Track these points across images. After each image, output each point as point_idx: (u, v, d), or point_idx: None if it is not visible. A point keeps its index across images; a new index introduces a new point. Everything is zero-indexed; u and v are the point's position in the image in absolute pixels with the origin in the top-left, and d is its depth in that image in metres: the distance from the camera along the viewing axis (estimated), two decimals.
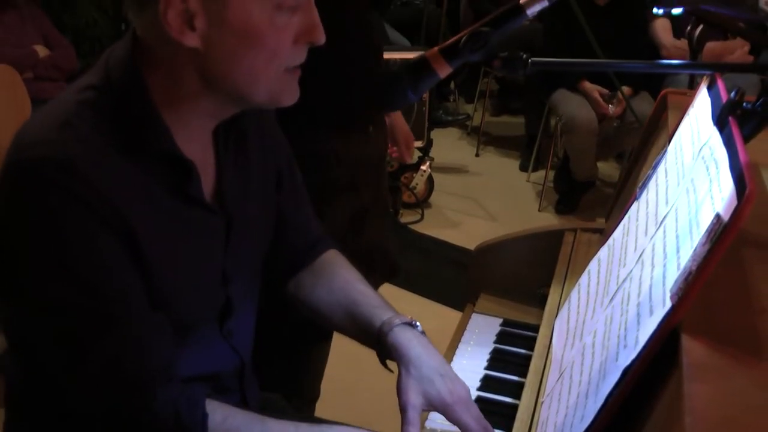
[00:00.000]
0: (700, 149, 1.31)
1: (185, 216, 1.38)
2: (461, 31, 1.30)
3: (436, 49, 1.37)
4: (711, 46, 4.82)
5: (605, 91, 5.02)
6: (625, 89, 4.89)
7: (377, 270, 2.40)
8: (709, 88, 1.51)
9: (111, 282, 1.27)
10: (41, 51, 4.54)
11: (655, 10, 1.54)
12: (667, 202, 1.37)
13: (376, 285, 1.78)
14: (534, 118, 5.91)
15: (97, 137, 1.27)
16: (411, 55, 4.77)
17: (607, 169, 5.87)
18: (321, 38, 1.32)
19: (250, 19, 1.25)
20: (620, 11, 5.01)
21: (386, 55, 4.58)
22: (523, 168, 6.02)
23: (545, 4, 1.34)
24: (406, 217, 5.09)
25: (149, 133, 1.31)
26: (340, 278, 1.66)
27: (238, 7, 1.24)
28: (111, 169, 1.26)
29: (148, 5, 1.25)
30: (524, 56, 1.35)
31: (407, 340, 1.45)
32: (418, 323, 1.51)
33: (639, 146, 2.15)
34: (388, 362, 1.52)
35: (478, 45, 1.34)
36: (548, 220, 5.20)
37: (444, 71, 1.37)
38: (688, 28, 1.96)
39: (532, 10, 1.35)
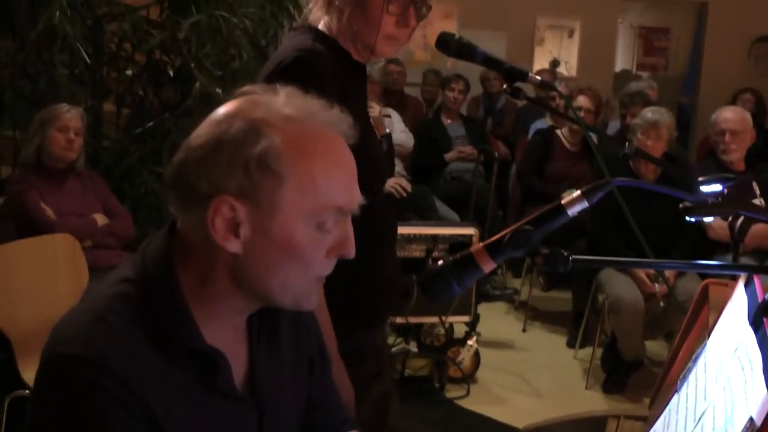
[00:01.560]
0: (736, 348, 1.35)
1: (216, 408, 1.39)
2: (509, 207, 1.37)
3: (481, 245, 1.43)
4: (756, 229, 4.90)
5: (651, 270, 5.04)
6: (669, 274, 4.91)
7: None
8: (746, 285, 1.56)
9: None
10: (100, 219, 4.62)
11: (687, 218, 1.60)
12: (705, 398, 1.40)
13: None
14: (581, 294, 5.91)
15: (128, 332, 1.31)
16: (460, 230, 4.86)
17: (656, 347, 5.81)
18: (352, 253, 1.40)
19: (292, 235, 1.32)
20: (668, 186, 5.08)
21: (436, 230, 4.75)
22: (570, 345, 5.98)
23: (585, 205, 1.41)
24: (452, 392, 5.05)
25: (179, 330, 1.34)
26: None
27: (284, 222, 1.31)
28: (142, 364, 1.29)
29: (197, 208, 1.31)
30: (565, 253, 1.41)
31: None
32: None
33: (681, 334, 2.17)
34: None
35: (521, 243, 1.40)
36: (595, 398, 5.14)
37: (488, 267, 1.42)
38: (730, 218, 2.03)
39: (573, 210, 1.42)
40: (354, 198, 1.39)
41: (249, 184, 1.30)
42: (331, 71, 2.07)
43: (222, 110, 1.36)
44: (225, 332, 1.42)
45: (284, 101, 1.37)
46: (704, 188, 2.03)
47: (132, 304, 1.33)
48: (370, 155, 2.10)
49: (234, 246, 1.32)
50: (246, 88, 1.41)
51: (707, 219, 1.83)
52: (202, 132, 1.34)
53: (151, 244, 1.41)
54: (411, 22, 2.14)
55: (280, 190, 1.30)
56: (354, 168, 1.40)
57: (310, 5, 2.23)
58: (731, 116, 5.42)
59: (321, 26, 2.19)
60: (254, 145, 1.29)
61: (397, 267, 2.32)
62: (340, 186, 1.36)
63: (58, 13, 4.72)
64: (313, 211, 1.33)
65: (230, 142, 1.30)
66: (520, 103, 8.33)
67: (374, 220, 2.12)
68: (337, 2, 2.13)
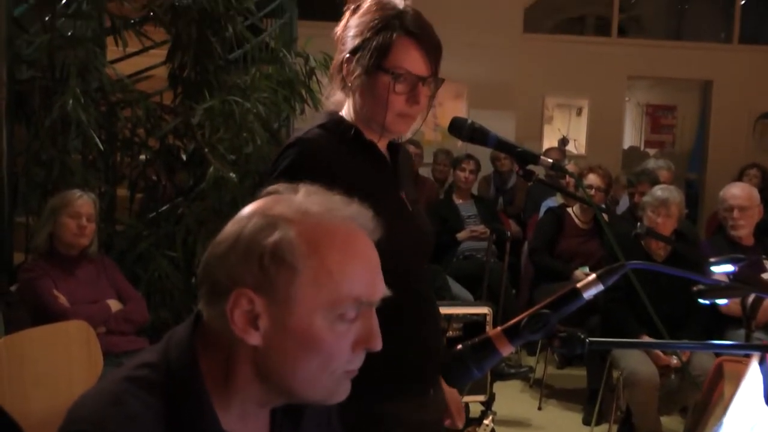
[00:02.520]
0: (753, 427, 1.36)
1: None
2: (521, 285, 1.39)
3: (499, 329, 1.45)
4: (767, 304, 4.89)
5: None
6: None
7: None
8: (760, 364, 1.57)
9: None
10: (114, 305, 4.60)
11: (701, 300, 1.62)
12: None
13: None
14: (596, 371, 5.88)
15: (143, 415, 1.30)
16: (474, 310, 4.85)
17: (672, 423, 5.76)
18: (378, 346, 1.40)
19: (311, 327, 1.32)
20: (680, 263, 5.12)
21: (450, 310, 4.74)
22: (586, 422, 5.93)
23: (601, 287, 1.43)
24: None
25: (197, 417, 1.34)
26: None
27: (302, 315, 1.32)
28: None
29: (219, 302, 1.33)
30: (582, 336, 1.43)
31: None
32: None
33: (697, 412, 2.18)
34: None
35: (539, 326, 1.42)
36: None
37: (506, 350, 1.44)
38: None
39: (589, 294, 1.44)
40: (376, 289, 1.39)
41: (264, 276, 1.31)
42: (322, 156, 2.12)
43: (245, 210, 1.39)
44: (245, 423, 1.42)
45: (303, 197, 1.39)
46: (716, 269, 2.05)
47: (152, 388, 1.34)
48: (398, 237, 2.12)
49: (254, 339, 1.33)
50: (270, 188, 1.44)
51: (720, 301, 1.84)
52: (225, 230, 1.38)
53: (176, 333, 1.42)
54: (421, 99, 2.17)
55: (295, 282, 1.32)
56: (375, 259, 1.41)
57: (329, 90, 2.29)
58: (739, 192, 5.46)
59: (342, 110, 2.25)
60: (268, 238, 1.32)
61: (432, 342, 2.30)
62: (359, 278, 1.36)
63: (71, 101, 4.77)
64: (331, 303, 1.33)
65: (247, 236, 1.33)
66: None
67: (404, 291, 2.16)
68: (349, 84, 2.18)
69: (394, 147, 2.33)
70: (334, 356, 1.36)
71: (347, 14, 2.22)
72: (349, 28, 2.19)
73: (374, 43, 2.13)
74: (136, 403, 1.31)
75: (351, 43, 2.17)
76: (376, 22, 2.14)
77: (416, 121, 2.25)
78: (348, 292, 1.34)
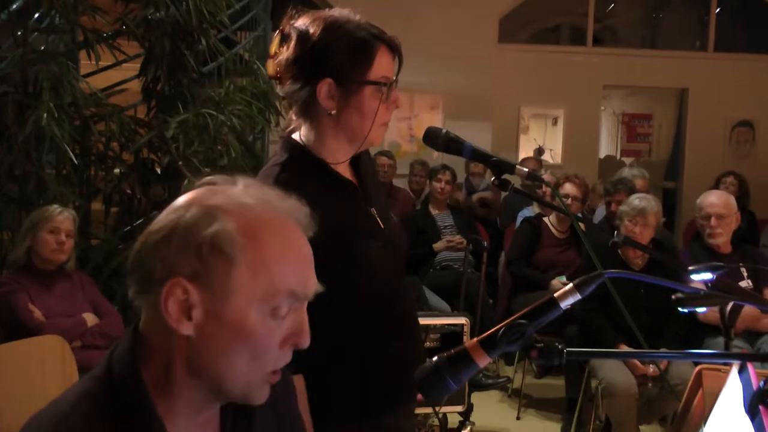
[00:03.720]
0: None
1: None
2: (499, 295, 1.37)
3: (475, 340, 1.43)
4: (746, 311, 4.90)
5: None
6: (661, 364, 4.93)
7: None
8: (740, 372, 1.56)
9: None
10: (90, 319, 4.60)
11: (680, 309, 1.61)
12: None
13: None
14: (574, 380, 5.88)
15: (92, 430, 1.30)
16: (451, 320, 4.84)
17: None
18: (306, 343, 1.39)
19: (245, 319, 1.32)
20: (658, 271, 5.14)
21: (427, 321, 4.73)
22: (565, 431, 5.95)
23: (578, 297, 1.42)
24: None
25: (144, 428, 1.33)
26: None
27: (237, 306, 1.32)
28: None
29: (151, 290, 1.33)
30: (560, 346, 1.41)
31: None
32: None
33: (677, 420, 2.17)
34: None
35: (516, 337, 1.40)
36: None
37: (483, 361, 1.42)
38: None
39: (566, 303, 1.42)
40: (309, 284, 1.40)
41: (202, 266, 1.31)
42: (303, 180, 2.10)
43: (181, 199, 1.39)
44: (193, 429, 1.41)
45: (242, 190, 1.40)
46: (695, 277, 2.05)
47: (97, 402, 1.33)
48: (373, 260, 2.16)
49: (187, 329, 1.32)
50: (207, 178, 1.44)
51: (700, 309, 1.84)
52: (160, 219, 1.37)
53: (118, 345, 1.41)
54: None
55: (233, 274, 1.32)
56: (309, 255, 1.42)
57: (287, 121, 2.28)
58: (716, 200, 5.48)
59: (297, 136, 2.23)
60: (207, 228, 1.32)
61: (413, 354, 2.30)
62: (294, 271, 1.37)
63: (45, 116, 4.76)
64: (266, 296, 1.33)
65: (185, 226, 1.33)
66: None
67: (382, 309, 2.19)
68: (327, 109, 2.14)
69: (355, 158, 2.31)
70: (266, 351, 1.36)
71: (285, 48, 2.16)
72: (313, 52, 2.12)
73: (355, 58, 2.11)
74: (82, 420, 1.31)
75: (325, 66, 2.12)
76: (347, 38, 2.11)
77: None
78: (282, 284, 1.35)
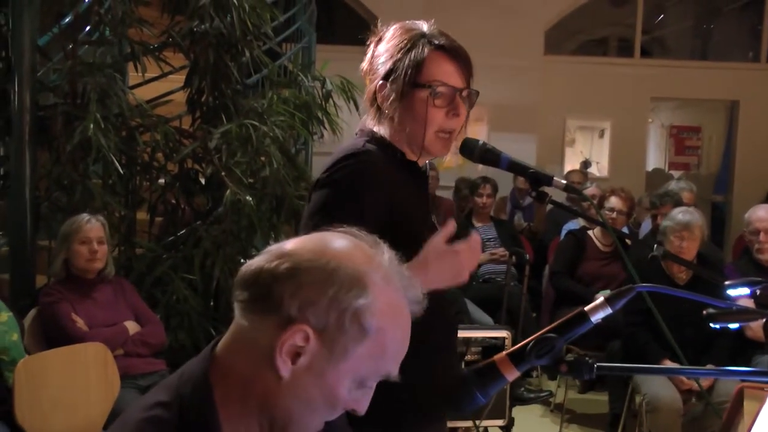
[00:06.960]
0: None
1: None
2: (542, 308, 1.36)
3: (504, 354, 1.42)
4: None
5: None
6: (704, 382, 4.85)
7: None
8: None
9: None
10: (131, 327, 4.62)
11: (712, 325, 1.58)
12: None
13: None
14: (618, 396, 5.81)
15: None
16: (493, 333, 4.81)
17: None
18: (362, 412, 1.40)
19: (339, 384, 1.33)
20: (702, 286, 5.06)
21: (468, 334, 4.70)
22: None
23: (609, 311, 1.40)
24: None
25: None
26: None
27: (341, 372, 1.33)
28: None
29: (265, 314, 1.32)
30: (590, 361, 1.39)
31: None
32: None
33: None
34: None
35: (545, 350, 1.39)
36: None
37: (512, 375, 1.41)
38: (765, 320, 2.00)
39: (597, 317, 1.41)
40: (398, 368, 1.40)
41: (335, 328, 1.31)
42: (380, 169, 2.12)
43: (333, 241, 1.39)
44: None
45: (389, 264, 1.40)
46: (731, 292, 2.01)
47: (165, 428, 1.32)
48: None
49: (285, 371, 1.31)
50: (352, 230, 1.44)
51: (732, 326, 1.80)
52: (299, 247, 1.37)
53: (188, 368, 1.40)
54: (461, 111, 2.19)
55: (359, 345, 1.32)
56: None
57: (365, 117, 2.29)
58: (765, 215, 5.39)
59: (377, 130, 2.26)
60: (358, 299, 1.32)
61: (449, 367, 2.29)
62: (399, 358, 1.39)
63: (92, 126, 4.81)
64: (368, 374, 1.36)
65: (338, 285, 1.32)
66: None
67: (439, 325, 2.18)
68: (386, 111, 2.18)
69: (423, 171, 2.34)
70: (338, 410, 1.38)
71: (372, 46, 2.25)
72: (377, 57, 2.21)
73: (407, 61, 2.14)
74: None
75: (382, 68, 2.19)
76: (404, 42, 2.17)
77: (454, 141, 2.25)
78: (386, 368, 1.37)
